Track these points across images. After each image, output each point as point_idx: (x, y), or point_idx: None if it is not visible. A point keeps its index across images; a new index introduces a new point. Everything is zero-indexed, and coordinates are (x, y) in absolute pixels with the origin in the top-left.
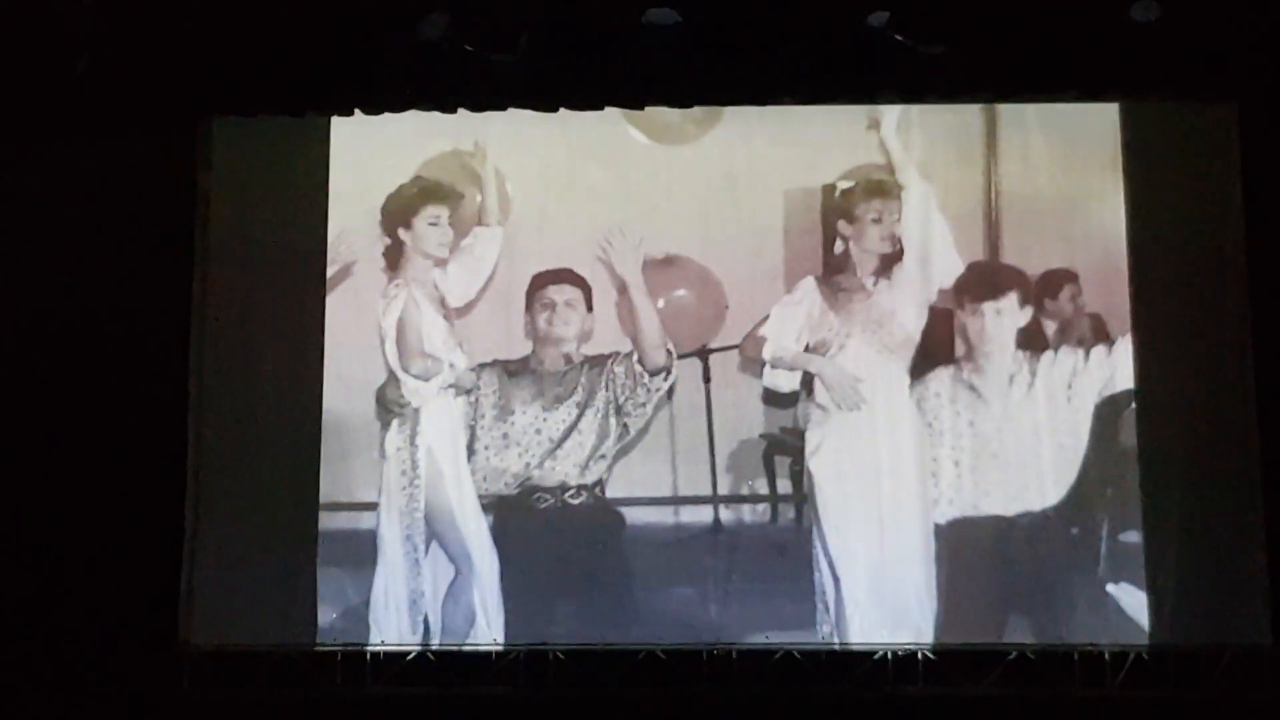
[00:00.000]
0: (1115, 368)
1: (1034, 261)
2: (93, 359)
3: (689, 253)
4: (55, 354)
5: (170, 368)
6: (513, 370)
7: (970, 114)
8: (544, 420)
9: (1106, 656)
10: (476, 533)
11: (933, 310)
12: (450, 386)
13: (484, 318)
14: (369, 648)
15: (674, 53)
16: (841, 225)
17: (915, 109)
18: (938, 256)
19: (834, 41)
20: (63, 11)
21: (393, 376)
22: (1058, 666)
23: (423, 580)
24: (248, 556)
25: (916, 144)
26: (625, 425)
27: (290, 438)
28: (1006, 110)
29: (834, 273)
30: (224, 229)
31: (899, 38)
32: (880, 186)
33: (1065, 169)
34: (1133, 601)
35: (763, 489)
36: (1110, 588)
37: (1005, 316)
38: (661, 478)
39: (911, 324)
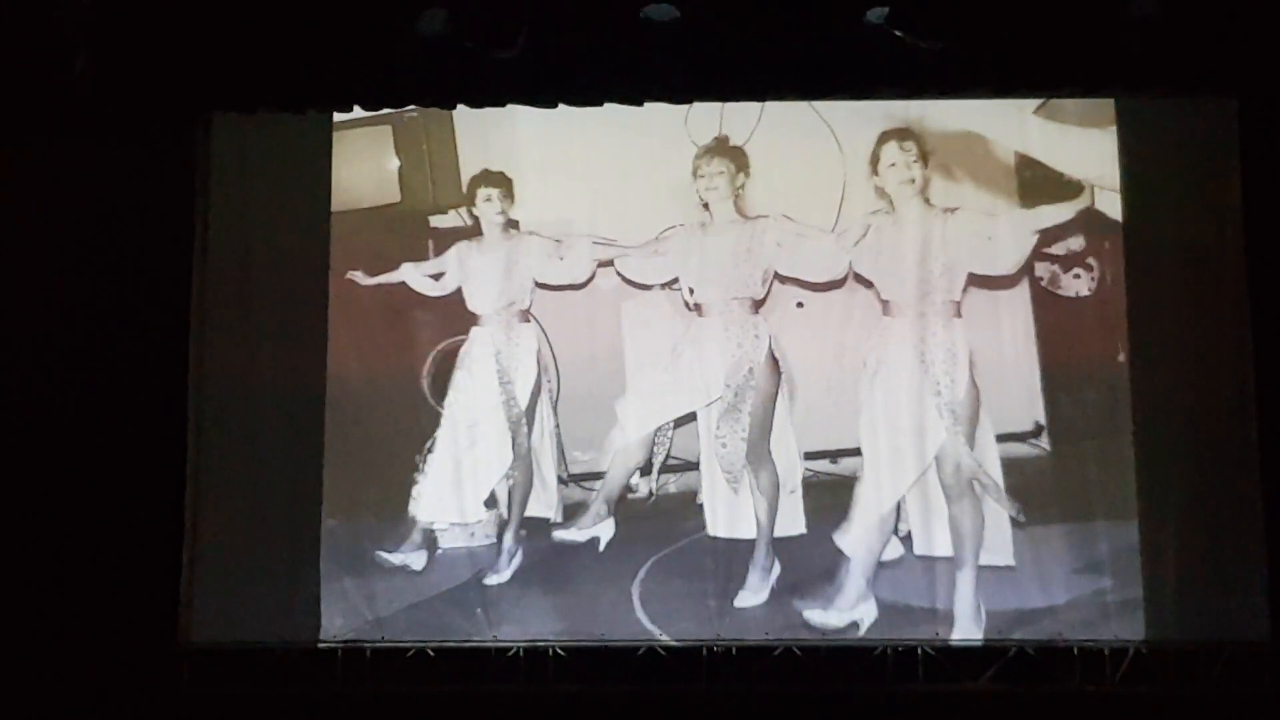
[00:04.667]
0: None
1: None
2: (92, 357)
3: None
4: (55, 352)
5: (170, 366)
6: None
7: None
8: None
9: (1106, 653)
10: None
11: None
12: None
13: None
14: (369, 645)
15: (673, 49)
16: None
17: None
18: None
19: (833, 37)
20: (63, 11)
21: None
22: (1057, 663)
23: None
24: (247, 554)
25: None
26: None
27: (291, 436)
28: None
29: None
30: (224, 226)
31: (898, 33)
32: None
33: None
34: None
35: None
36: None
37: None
38: None
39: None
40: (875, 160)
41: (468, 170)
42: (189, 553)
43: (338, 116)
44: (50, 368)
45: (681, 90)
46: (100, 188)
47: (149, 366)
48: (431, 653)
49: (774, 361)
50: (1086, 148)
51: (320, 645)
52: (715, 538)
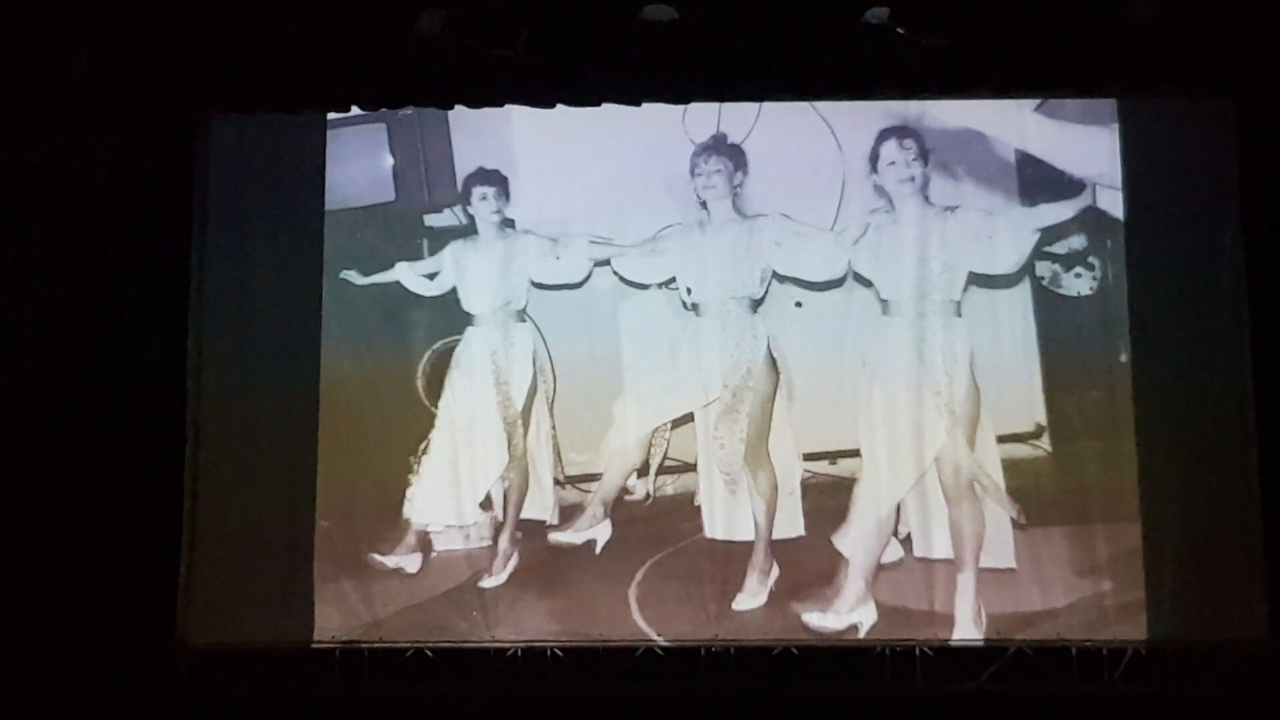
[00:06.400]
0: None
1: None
2: (90, 357)
3: None
4: (53, 352)
5: (168, 365)
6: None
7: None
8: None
9: (1105, 653)
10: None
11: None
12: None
13: None
14: (366, 645)
15: (672, 49)
16: None
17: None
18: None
19: (833, 37)
20: (63, 10)
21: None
22: (1056, 663)
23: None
24: (244, 555)
25: None
26: None
27: (288, 436)
28: None
29: None
30: (221, 226)
31: (899, 32)
32: None
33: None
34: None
35: None
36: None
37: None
38: None
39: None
40: (874, 158)
41: (463, 168)
42: (187, 553)
43: (332, 114)
44: (49, 367)
45: (680, 91)
46: (99, 187)
47: (147, 366)
48: (429, 653)
49: (772, 361)
50: (1087, 145)
51: (318, 646)
52: (713, 540)
